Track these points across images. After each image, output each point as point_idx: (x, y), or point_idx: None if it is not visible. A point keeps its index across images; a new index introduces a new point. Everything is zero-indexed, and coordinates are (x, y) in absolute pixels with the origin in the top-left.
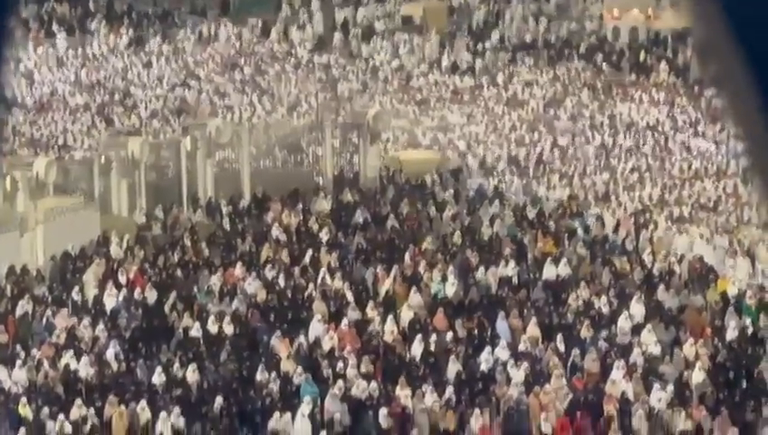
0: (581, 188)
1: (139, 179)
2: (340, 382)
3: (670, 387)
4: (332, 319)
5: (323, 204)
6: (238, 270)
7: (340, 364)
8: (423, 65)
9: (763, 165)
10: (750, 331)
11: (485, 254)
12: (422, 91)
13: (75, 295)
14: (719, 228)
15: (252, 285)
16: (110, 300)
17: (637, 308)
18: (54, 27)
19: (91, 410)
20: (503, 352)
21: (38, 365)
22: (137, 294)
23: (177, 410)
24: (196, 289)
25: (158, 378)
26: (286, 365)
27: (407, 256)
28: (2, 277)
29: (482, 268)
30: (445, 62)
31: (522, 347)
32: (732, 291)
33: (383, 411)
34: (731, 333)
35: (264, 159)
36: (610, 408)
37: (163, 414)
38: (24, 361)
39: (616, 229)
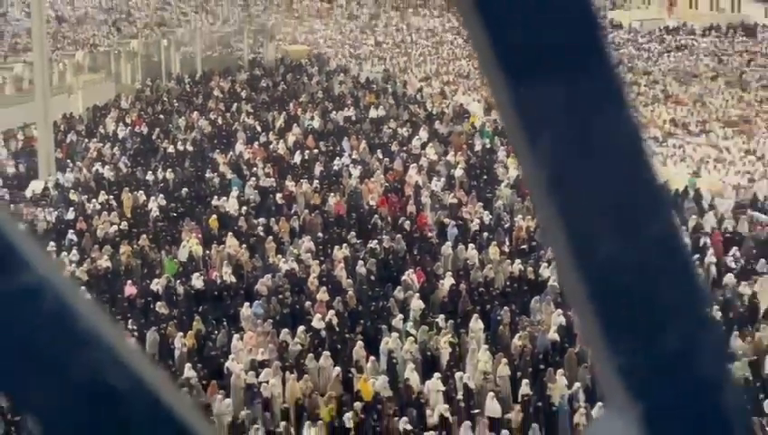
0: (397, 66)
1: (137, 64)
2: (253, 179)
3: (443, 179)
4: (249, 142)
5: (243, 76)
6: (195, 115)
7: (254, 168)
8: None
9: None
10: (488, 146)
11: (336, 103)
12: (298, 9)
13: (101, 130)
14: (471, 88)
15: (201, 123)
16: (121, 132)
17: (423, 134)
18: None
19: (111, 197)
20: (347, 160)
21: (80, 170)
22: (137, 129)
23: (161, 196)
24: (170, 126)
25: (150, 177)
26: (223, 168)
27: (291, 105)
28: (59, 120)
29: (334, 112)
30: None
31: (356, 156)
32: (478, 122)
33: (278, 196)
34: (477, 147)
35: (209, 51)
36: (408, 191)
37: (152, 198)
38: (72, 169)
39: (419, 91)
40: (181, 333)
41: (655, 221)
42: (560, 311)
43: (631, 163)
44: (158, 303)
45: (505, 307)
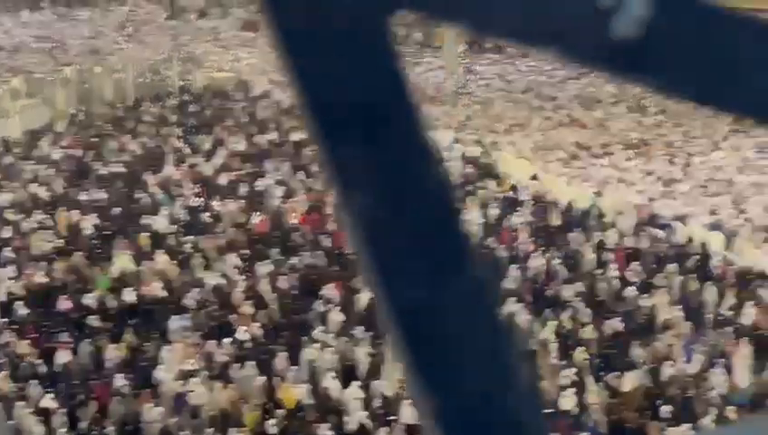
0: None
1: (71, 90)
2: (181, 199)
3: None
4: (178, 164)
5: (173, 102)
6: (126, 138)
7: (182, 189)
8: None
9: None
10: None
11: (260, 127)
12: (225, 39)
13: (36, 152)
14: None
15: (133, 146)
16: (56, 154)
17: None
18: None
19: (47, 216)
20: (270, 180)
21: (17, 191)
22: (70, 151)
23: (94, 215)
24: (103, 149)
25: (84, 197)
26: (153, 189)
27: (218, 129)
28: None
29: (258, 135)
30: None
31: (279, 177)
32: None
33: (206, 214)
34: None
35: (140, 78)
36: (328, 210)
37: (86, 217)
38: (8, 190)
39: None
40: (113, 345)
41: (461, 268)
42: None
43: (440, 213)
44: (92, 316)
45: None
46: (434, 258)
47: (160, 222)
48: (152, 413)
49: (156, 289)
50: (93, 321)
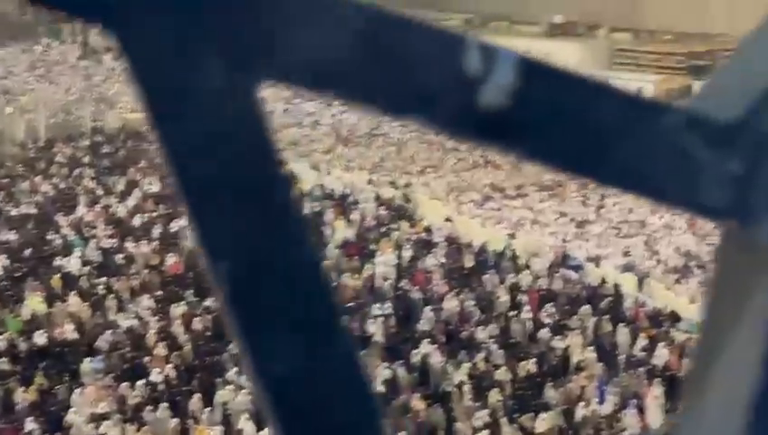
0: None
1: None
2: (94, 240)
3: None
4: (91, 205)
5: (85, 142)
6: (38, 179)
7: (95, 230)
8: None
9: None
10: (317, 209)
11: None
12: None
13: None
14: (301, 154)
15: (45, 187)
16: None
17: None
18: None
19: None
20: (184, 222)
21: None
22: None
23: (4, 256)
24: (14, 189)
25: None
26: (66, 230)
27: (132, 170)
28: None
29: None
30: None
31: None
32: (308, 186)
33: (119, 256)
34: (307, 210)
35: (52, 118)
36: None
37: None
38: None
39: None
40: (23, 388)
41: (333, 345)
42: (386, 364)
43: (311, 289)
44: (1, 359)
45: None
46: (303, 329)
47: (73, 263)
48: None
49: (68, 331)
50: (3, 364)
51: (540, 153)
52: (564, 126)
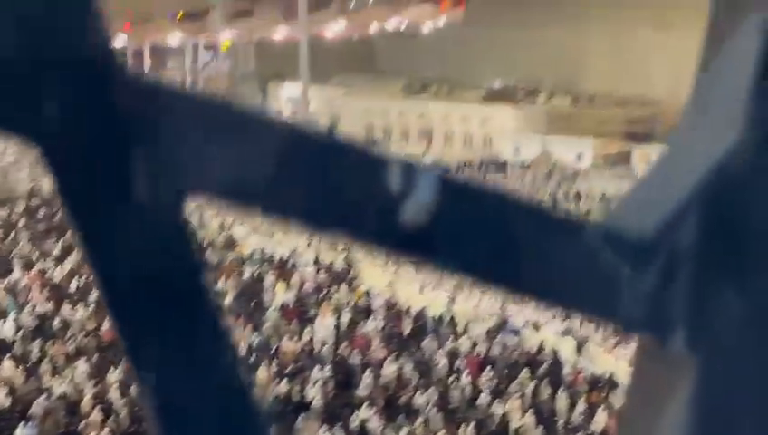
0: None
1: None
2: (30, 305)
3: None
4: (27, 269)
5: (21, 205)
6: None
7: (30, 294)
8: None
9: None
10: (257, 274)
11: None
12: None
13: None
14: (244, 220)
15: None
16: None
17: None
18: None
19: None
20: None
21: None
22: None
23: None
24: None
25: None
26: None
27: (69, 233)
28: None
29: None
30: None
31: None
32: (247, 251)
33: (55, 321)
34: (246, 275)
35: None
36: None
37: None
38: None
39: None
40: None
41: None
42: (325, 428)
43: (228, 387)
44: None
45: (273, 425)
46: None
47: (7, 328)
48: None
49: (0, 397)
50: None
51: (459, 265)
52: (482, 240)
